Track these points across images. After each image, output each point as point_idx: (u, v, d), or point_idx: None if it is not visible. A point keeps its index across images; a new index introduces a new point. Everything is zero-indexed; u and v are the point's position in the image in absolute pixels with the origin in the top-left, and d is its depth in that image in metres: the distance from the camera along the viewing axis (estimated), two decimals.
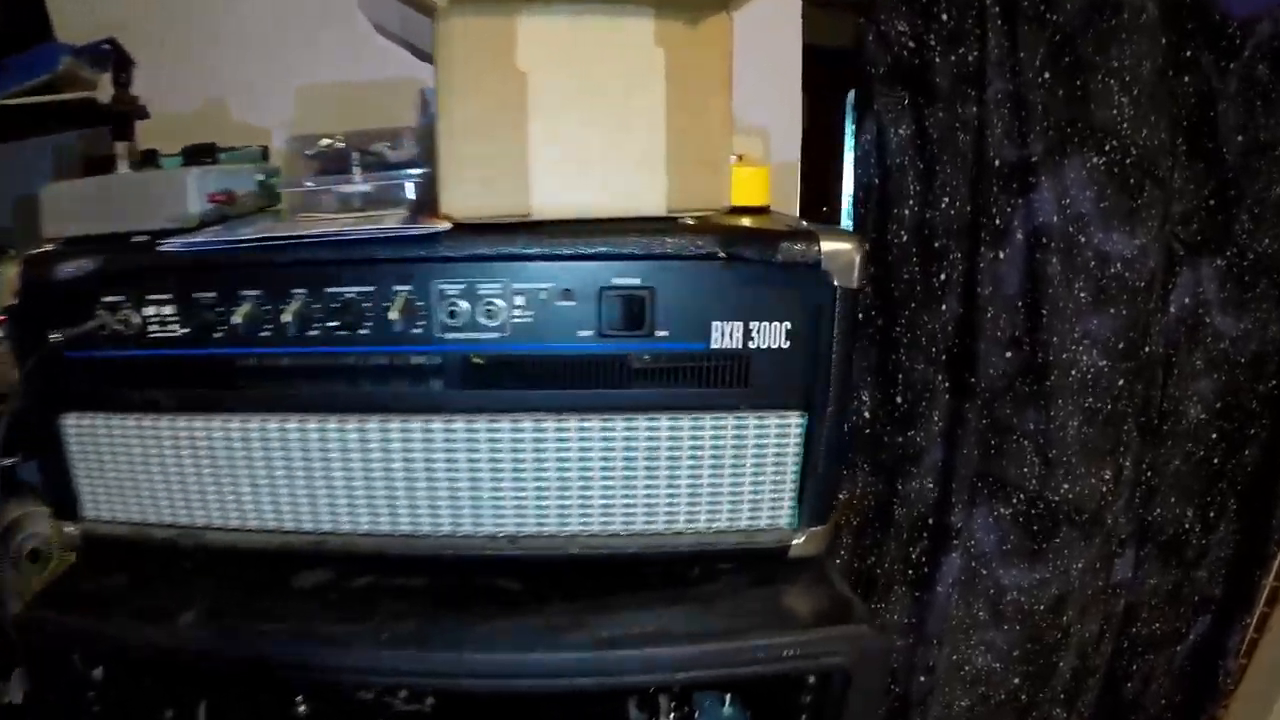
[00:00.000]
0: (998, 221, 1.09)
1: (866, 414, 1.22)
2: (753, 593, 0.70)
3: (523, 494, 0.68)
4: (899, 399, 1.19)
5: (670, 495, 0.69)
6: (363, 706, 0.78)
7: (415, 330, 0.65)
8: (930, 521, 1.21)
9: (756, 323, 0.66)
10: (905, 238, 1.14)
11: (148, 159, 0.80)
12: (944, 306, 1.14)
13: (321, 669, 0.65)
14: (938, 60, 1.08)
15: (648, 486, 0.69)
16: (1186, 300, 1.16)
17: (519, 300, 0.65)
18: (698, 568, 0.72)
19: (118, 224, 0.67)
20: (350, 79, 1.06)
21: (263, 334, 0.65)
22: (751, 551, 0.71)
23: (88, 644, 0.67)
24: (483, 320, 0.65)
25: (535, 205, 0.64)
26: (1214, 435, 1.21)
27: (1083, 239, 1.08)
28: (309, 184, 0.71)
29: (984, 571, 1.20)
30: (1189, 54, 1.08)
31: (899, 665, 1.26)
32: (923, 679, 1.26)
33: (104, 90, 0.91)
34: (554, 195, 0.65)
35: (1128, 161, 1.06)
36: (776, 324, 0.66)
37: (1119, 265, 1.08)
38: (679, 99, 0.65)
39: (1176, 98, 1.08)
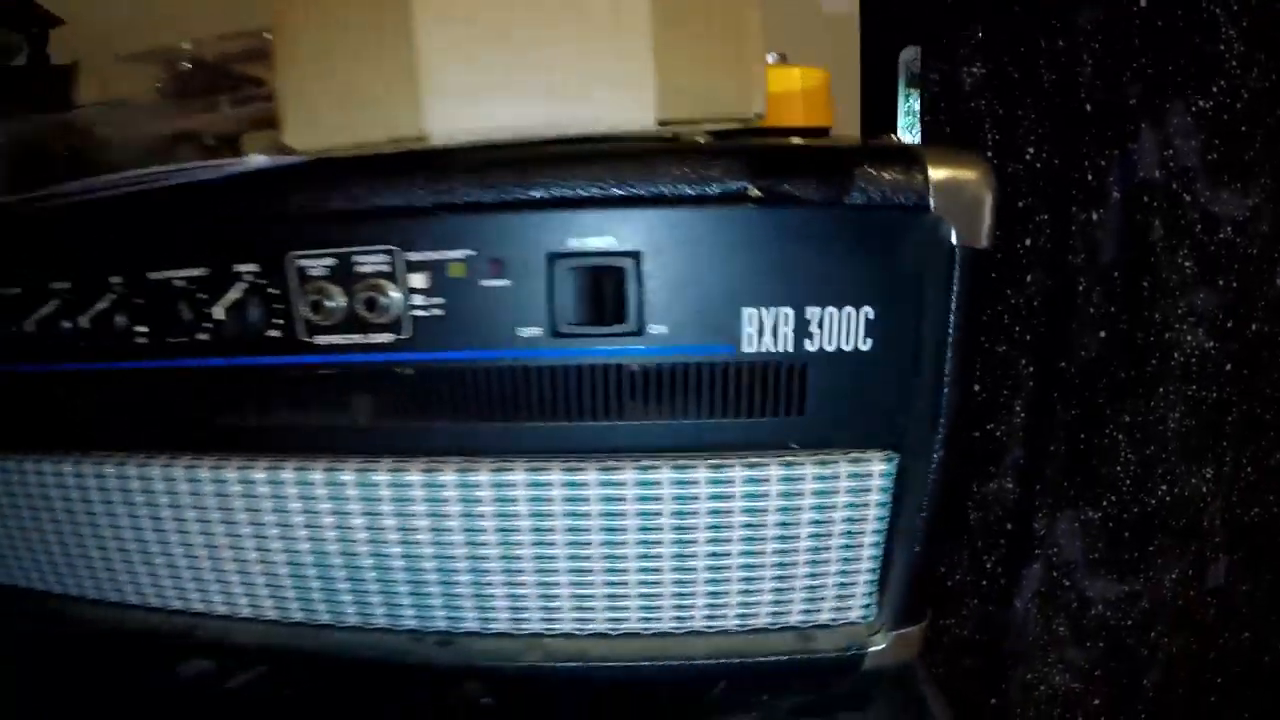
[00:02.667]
0: (1091, 177, 0.95)
1: None
2: None
3: (452, 576, 0.46)
4: (975, 387, 1.05)
5: (681, 583, 0.46)
6: None
7: (271, 334, 0.44)
8: (1009, 527, 1.08)
9: (818, 309, 0.43)
10: None
11: None
12: (1029, 278, 1.00)
13: None
14: None
15: (645, 570, 0.46)
16: None
17: (418, 281, 0.42)
18: (721, 685, 0.51)
19: None
20: None
21: (82, 344, 0.46)
22: (806, 663, 0.48)
23: None
24: (364, 314, 0.42)
25: (434, 124, 0.41)
26: None
27: (1188, 197, 0.93)
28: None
29: (1067, 583, 1.07)
30: None
31: (965, 687, 1.13)
32: (993, 701, 1.13)
33: None
34: (465, 107, 0.41)
35: (1238, 106, 0.91)
36: (851, 311, 0.43)
37: (1229, 229, 0.94)
38: None
39: None
